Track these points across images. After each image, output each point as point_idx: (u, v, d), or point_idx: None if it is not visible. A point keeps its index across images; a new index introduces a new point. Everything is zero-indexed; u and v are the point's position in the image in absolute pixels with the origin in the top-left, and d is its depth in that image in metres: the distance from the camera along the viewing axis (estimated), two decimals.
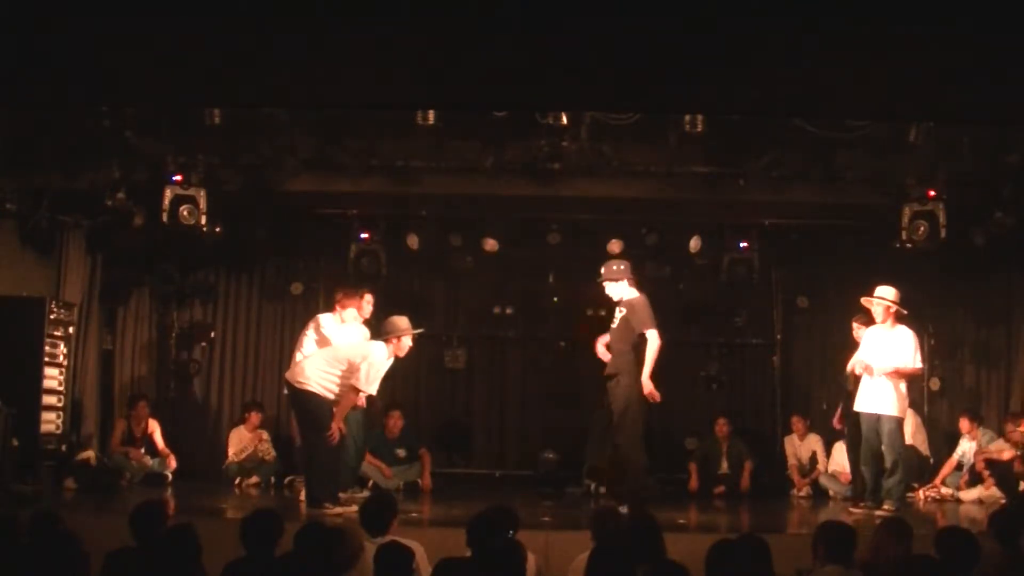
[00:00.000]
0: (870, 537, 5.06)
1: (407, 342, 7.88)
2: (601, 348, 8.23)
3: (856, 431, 8.50)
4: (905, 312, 8.27)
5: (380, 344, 7.84)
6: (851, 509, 8.30)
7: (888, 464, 8.13)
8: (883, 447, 8.14)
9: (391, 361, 7.95)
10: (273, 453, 10.21)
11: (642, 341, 7.84)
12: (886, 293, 8.23)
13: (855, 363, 8.29)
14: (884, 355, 8.19)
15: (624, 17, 4.45)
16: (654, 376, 7.80)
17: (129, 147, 8.77)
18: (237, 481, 9.98)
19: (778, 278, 11.01)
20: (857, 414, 8.33)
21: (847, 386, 8.93)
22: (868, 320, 8.69)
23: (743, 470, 10.33)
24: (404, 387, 11.12)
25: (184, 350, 11.08)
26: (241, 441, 10.24)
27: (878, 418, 8.12)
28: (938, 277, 10.37)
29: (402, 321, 7.90)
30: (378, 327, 9.23)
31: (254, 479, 10.04)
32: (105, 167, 9.01)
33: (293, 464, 9.92)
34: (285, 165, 9.17)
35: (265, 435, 10.30)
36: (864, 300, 8.36)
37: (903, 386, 8.18)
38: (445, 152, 9.11)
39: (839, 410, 9.28)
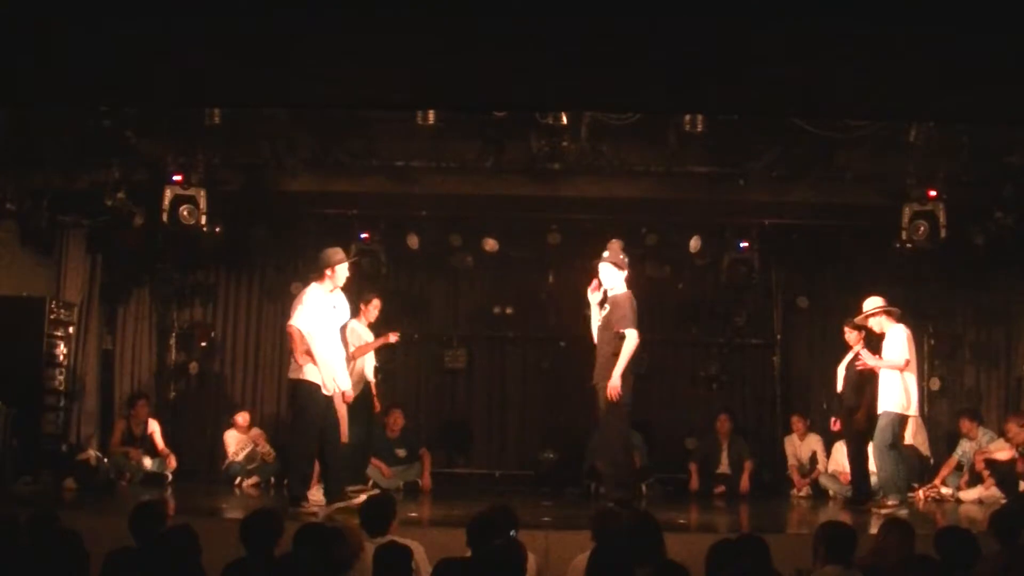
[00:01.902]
0: (873, 537, 5.06)
1: (343, 272, 7.59)
2: None
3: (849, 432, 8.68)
4: (897, 310, 8.35)
5: (311, 286, 7.59)
6: (874, 510, 8.27)
7: (872, 459, 8.16)
8: (873, 441, 8.17)
9: (334, 296, 7.62)
10: (273, 453, 10.22)
11: (620, 341, 7.59)
12: (873, 304, 8.40)
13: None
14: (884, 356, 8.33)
15: (624, 17, 4.45)
16: (629, 378, 7.62)
17: (129, 147, 8.77)
18: (237, 481, 9.99)
19: (778, 278, 11.01)
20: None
21: (835, 389, 9.01)
22: (860, 325, 8.76)
23: (743, 470, 10.33)
24: (404, 387, 11.13)
25: (184, 350, 11.07)
26: (239, 441, 10.26)
27: (881, 415, 8.16)
28: (938, 277, 10.38)
29: (337, 254, 7.63)
30: (383, 329, 9.29)
31: (254, 479, 10.05)
32: (105, 167, 9.02)
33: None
34: (285, 165, 9.17)
35: (263, 435, 10.33)
36: (860, 320, 8.54)
37: (900, 382, 8.19)
38: (445, 152, 9.11)
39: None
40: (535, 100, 6.51)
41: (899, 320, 8.42)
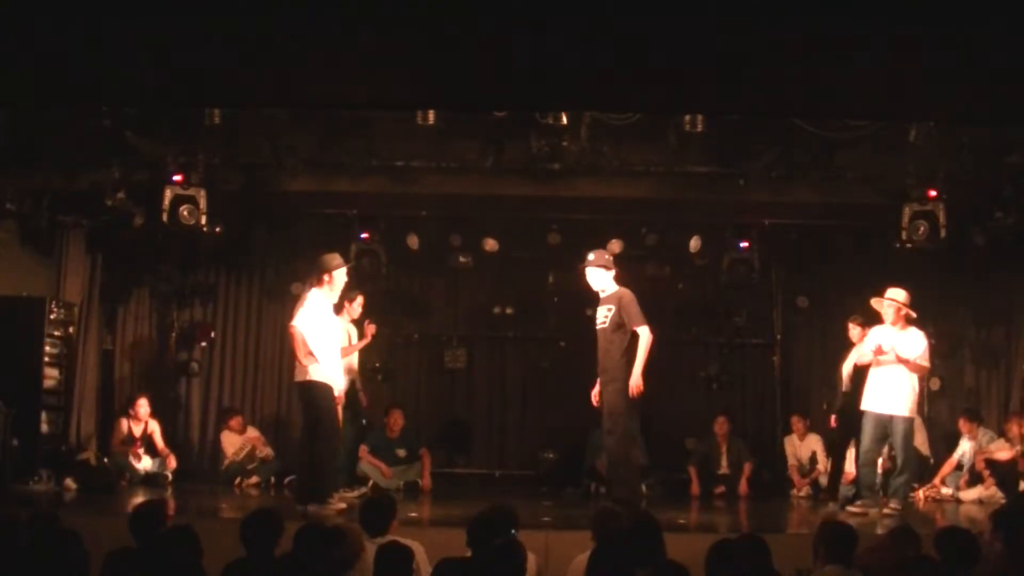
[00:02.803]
0: (877, 543, 5.05)
1: (341, 277, 7.67)
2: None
3: (850, 429, 8.57)
4: (915, 315, 8.25)
5: (311, 291, 7.64)
6: (850, 508, 8.25)
7: (899, 463, 8.11)
8: (895, 447, 8.11)
9: (330, 301, 7.70)
10: (272, 454, 10.23)
11: (633, 340, 7.59)
12: (897, 295, 8.18)
13: (863, 354, 8.30)
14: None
15: (624, 18, 4.45)
16: (644, 373, 7.62)
17: (129, 147, 8.77)
18: (237, 481, 9.99)
19: (778, 278, 11.00)
20: (860, 413, 8.30)
21: (840, 386, 8.95)
22: (865, 321, 8.69)
23: (743, 471, 10.32)
24: (404, 387, 11.14)
25: (184, 350, 11.08)
26: (234, 443, 10.27)
27: (890, 419, 8.05)
28: (938, 277, 10.37)
29: (334, 259, 7.69)
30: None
31: (254, 479, 10.05)
32: (105, 167, 9.01)
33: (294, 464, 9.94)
34: (285, 165, 9.17)
35: (261, 438, 10.33)
36: (874, 301, 8.30)
37: (915, 385, 8.13)
38: (445, 152, 9.10)
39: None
40: (535, 100, 6.51)
41: (916, 324, 8.33)
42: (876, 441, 8.15)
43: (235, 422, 10.39)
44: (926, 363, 8.22)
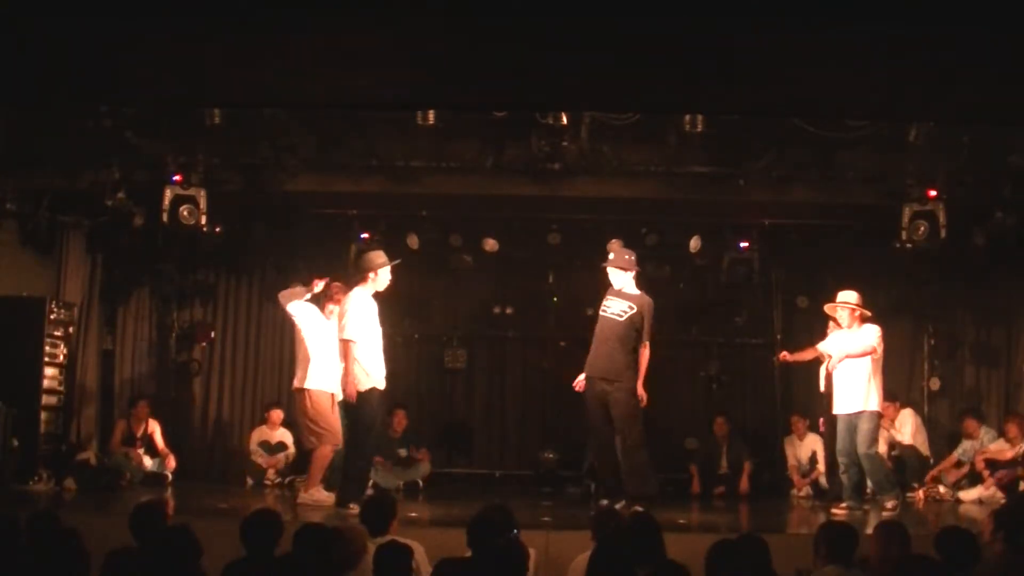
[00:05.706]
0: (870, 540, 5.06)
1: (385, 276, 7.75)
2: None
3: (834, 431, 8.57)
4: (869, 313, 8.27)
5: (355, 289, 7.73)
6: (833, 510, 8.23)
7: (860, 458, 8.09)
8: (857, 443, 8.07)
9: (374, 306, 7.79)
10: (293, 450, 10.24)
11: (637, 342, 7.76)
12: (849, 297, 8.26)
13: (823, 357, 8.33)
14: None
15: (624, 17, 4.45)
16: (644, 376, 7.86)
17: (129, 147, 8.77)
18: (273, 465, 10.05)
19: (778, 278, 10.99)
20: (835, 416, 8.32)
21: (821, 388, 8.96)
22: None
23: (743, 471, 10.32)
24: (404, 387, 11.12)
25: (184, 350, 11.06)
26: (271, 437, 10.29)
27: (859, 415, 8.08)
28: (938, 277, 10.37)
29: (379, 256, 7.78)
30: None
31: (275, 466, 10.07)
32: (105, 167, 9.02)
33: (297, 464, 9.93)
34: (285, 165, 9.17)
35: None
36: (828, 307, 8.41)
37: (872, 378, 8.11)
38: (445, 152, 9.11)
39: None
40: (535, 100, 6.51)
41: (871, 321, 8.32)
42: (850, 441, 8.15)
43: (276, 415, 10.36)
44: (873, 343, 8.13)
